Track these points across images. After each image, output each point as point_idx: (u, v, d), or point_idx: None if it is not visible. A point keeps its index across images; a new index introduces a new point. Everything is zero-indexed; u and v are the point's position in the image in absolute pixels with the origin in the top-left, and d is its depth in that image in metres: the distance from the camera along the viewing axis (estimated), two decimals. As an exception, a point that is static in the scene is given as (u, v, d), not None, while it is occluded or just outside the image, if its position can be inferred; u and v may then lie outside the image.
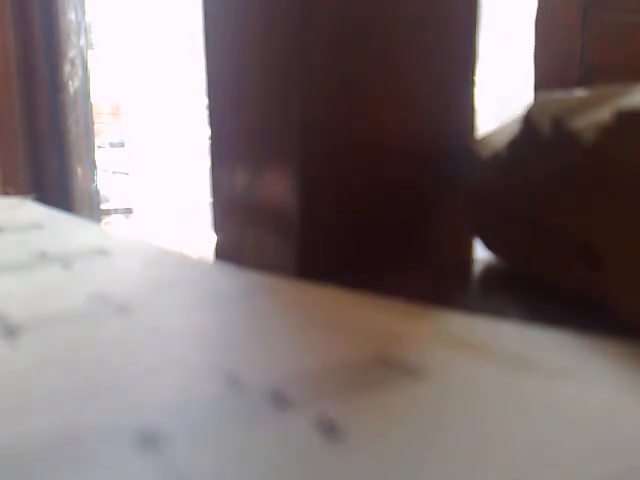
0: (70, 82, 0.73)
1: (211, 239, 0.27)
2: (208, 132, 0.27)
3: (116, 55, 2.17)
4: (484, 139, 0.24)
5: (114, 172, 2.14)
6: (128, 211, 1.96)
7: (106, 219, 1.82)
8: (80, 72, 0.74)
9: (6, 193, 0.64)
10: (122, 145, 2.24)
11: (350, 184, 0.22)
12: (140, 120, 1.61)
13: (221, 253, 0.26)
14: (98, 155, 0.81)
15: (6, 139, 0.70)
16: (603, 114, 0.17)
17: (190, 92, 1.40)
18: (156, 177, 1.58)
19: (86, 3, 0.77)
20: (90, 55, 0.78)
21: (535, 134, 0.20)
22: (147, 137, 1.59)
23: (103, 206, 1.50)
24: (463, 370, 0.13)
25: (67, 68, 0.72)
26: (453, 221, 0.24)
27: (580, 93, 0.19)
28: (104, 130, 2.18)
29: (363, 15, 0.22)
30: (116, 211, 1.93)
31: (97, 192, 0.78)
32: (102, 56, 2.08)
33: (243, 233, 0.25)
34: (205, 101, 0.27)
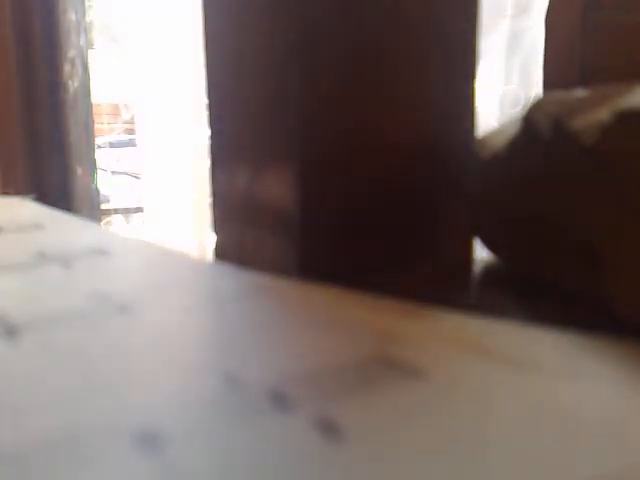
0: (70, 82, 0.73)
1: (211, 239, 0.27)
2: (208, 132, 0.27)
3: (116, 55, 2.17)
4: (484, 139, 0.24)
5: (114, 172, 2.14)
6: (127, 211, 1.96)
7: (106, 219, 1.82)
8: (80, 72, 0.74)
9: (6, 193, 0.64)
10: (122, 145, 2.24)
11: (350, 184, 0.22)
12: (143, 120, 1.61)
13: (221, 253, 0.26)
14: (98, 155, 0.81)
15: (6, 139, 0.70)
16: (603, 114, 0.17)
17: (191, 92, 1.41)
18: (157, 177, 1.58)
19: (86, 3, 0.77)
20: (90, 55, 0.77)
21: (535, 134, 0.20)
22: (150, 137, 1.60)
23: (103, 206, 1.50)
24: (463, 370, 0.13)
25: (67, 68, 0.72)
26: (453, 221, 0.24)
27: (580, 93, 0.19)
28: (104, 130, 2.18)
29: (362, 16, 0.22)
30: (116, 211, 1.93)
31: (97, 192, 0.78)
32: (102, 56, 2.08)
33: (243, 233, 0.25)
34: (205, 101, 0.27)
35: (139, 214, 1.94)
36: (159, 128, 1.53)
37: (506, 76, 1.14)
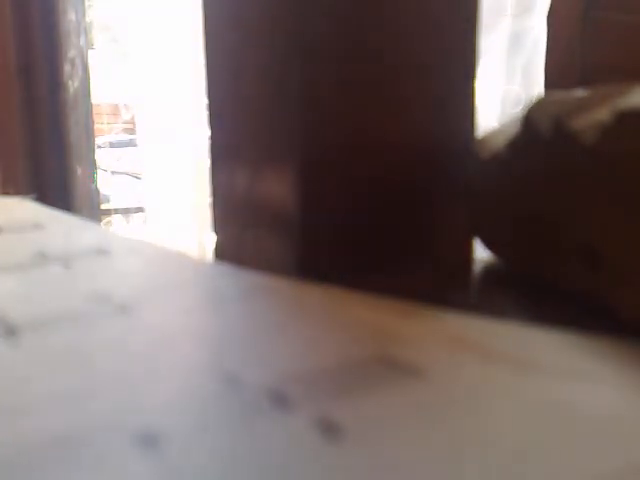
0: (70, 82, 0.73)
1: (211, 239, 0.27)
2: (208, 132, 0.27)
3: (116, 55, 2.17)
4: (484, 139, 0.24)
5: (114, 172, 2.14)
6: (127, 211, 1.96)
7: (106, 219, 1.82)
8: (80, 72, 0.74)
9: (6, 193, 0.64)
10: (122, 145, 2.24)
11: (350, 184, 0.22)
12: (144, 120, 1.61)
13: (221, 253, 0.26)
14: (98, 155, 0.81)
15: (6, 139, 0.70)
16: (603, 114, 0.17)
17: (192, 92, 1.41)
18: (158, 177, 1.58)
19: (86, 3, 0.77)
20: (90, 55, 0.77)
21: (535, 134, 0.20)
22: (151, 137, 1.60)
23: (103, 206, 1.50)
24: (463, 370, 0.13)
25: (67, 68, 0.72)
26: (453, 221, 0.24)
27: (580, 93, 0.19)
28: (104, 130, 2.18)
29: (362, 16, 0.22)
30: (116, 211, 1.94)
31: (97, 192, 0.78)
32: (102, 56, 2.08)
33: (243, 233, 0.25)
34: (205, 101, 0.27)
35: (139, 214, 1.95)
36: (160, 128, 1.53)
37: (507, 76, 1.14)
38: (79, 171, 0.74)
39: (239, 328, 0.16)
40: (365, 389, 0.12)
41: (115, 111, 2.29)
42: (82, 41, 0.74)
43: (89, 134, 0.76)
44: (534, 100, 0.20)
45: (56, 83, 0.72)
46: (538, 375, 0.13)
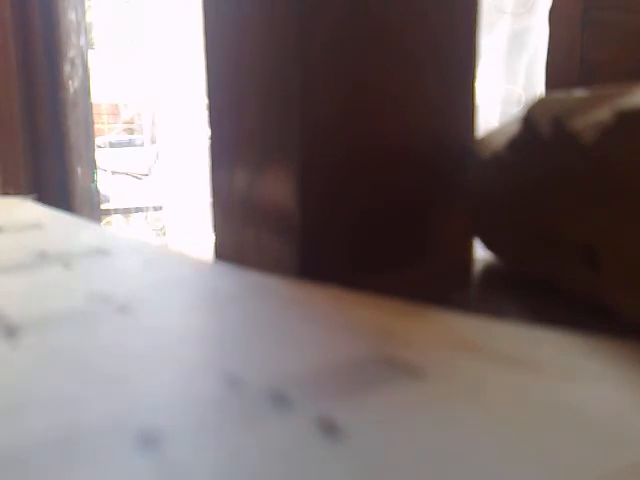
0: (70, 82, 0.73)
1: (211, 239, 0.27)
2: (208, 132, 0.27)
3: (116, 55, 2.17)
4: (484, 139, 0.24)
5: (114, 172, 2.14)
6: (127, 211, 1.97)
7: (106, 219, 1.82)
8: (80, 72, 0.74)
9: (6, 193, 0.64)
10: (122, 145, 2.24)
11: (350, 184, 0.22)
12: (147, 120, 1.61)
13: (221, 253, 0.26)
14: (98, 155, 0.81)
15: (6, 139, 0.70)
16: (603, 114, 0.17)
17: (193, 92, 1.41)
18: (162, 176, 1.58)
19: (86, 3, 0.77)
20: (90, 55, 0.77)
21: (535, 134, 0.20)
22: (153, 136, 1.60)
23: (103, 206, 1.50)
24: (463, 370, 0.13)
25: (67, 68, 0.72)
26: (453, 221, 0.24)
27: (580, 93, 0.19)
28: (104, 130, 2.18)
29: (362, 16, 0.22)
30: (116, 211, 1.94)
31: (97, 192, 0.78)
32: (102, 56, 2.08)
33: (243, 233, 0.25)
34: (206, 101, 0.27)
35: (139, 214, 1.95)
36: (162, 128, 1.53)
37: (507, 76, 1.14)
38: (79, 171, 0.74)
39: (239, 328, 0.16)
40: (365, 389, 0.12)
41: (115, 111, 2.30)
42: (82, 41, 0.74)
43: (89, 134, 0.76)
44: (534, 100, 0.20)
45: (56, 83, 0.72)
46: (538, 375, 0.13)
